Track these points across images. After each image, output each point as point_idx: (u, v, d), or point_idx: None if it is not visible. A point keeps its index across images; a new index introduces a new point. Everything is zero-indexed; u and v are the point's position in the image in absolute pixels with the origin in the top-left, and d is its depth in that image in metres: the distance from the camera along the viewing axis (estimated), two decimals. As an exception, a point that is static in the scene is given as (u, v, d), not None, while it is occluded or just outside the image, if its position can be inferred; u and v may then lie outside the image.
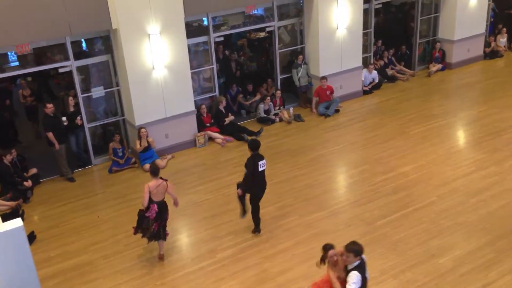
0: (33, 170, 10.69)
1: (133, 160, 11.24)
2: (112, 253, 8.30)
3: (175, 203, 7.99)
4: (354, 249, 5.55)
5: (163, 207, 7.72)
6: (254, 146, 8.17)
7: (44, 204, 9.98)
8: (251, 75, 14.79)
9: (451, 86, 14.97)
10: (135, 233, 7.87)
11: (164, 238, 7.92)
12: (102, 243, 8.58)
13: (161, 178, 7.70)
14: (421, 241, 8.05)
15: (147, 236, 7.77)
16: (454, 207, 8.92)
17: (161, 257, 7.99)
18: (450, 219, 8.60)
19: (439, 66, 15.96)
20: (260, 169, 8.06)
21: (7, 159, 10.05)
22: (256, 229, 8.49)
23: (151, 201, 7.58)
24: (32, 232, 8.76)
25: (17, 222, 1.18)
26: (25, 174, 10.49)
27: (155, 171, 7.67)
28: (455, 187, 9.54)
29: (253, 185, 8.14)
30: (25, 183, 10.18)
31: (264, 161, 8.12)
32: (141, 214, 7.71)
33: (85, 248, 8.50)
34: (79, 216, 9.48)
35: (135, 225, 7.84)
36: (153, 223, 7.65)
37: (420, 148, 11.16)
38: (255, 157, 8.06)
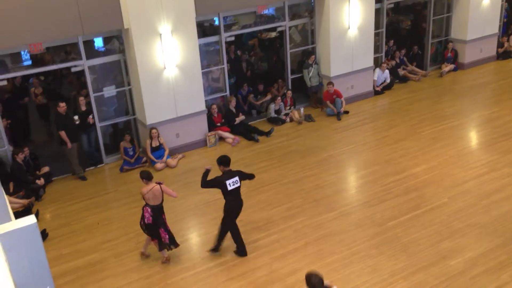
0: (46, 169, 10.79)
1: (144, 159, 11.29)
2: (123, 251, 8.35)
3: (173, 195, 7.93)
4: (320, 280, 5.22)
5: (157, 211, 7.68)
6: (220, 160, 7.71)
7: (56, 202, 10.07)
8: (262, 75, 14.80)
9: (463, 86, 14.85)
10: (161, 249, 7.90)
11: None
12: (113, 242, 8.64)
13: (156, 182, 7.69)
14: (432, 243, 8.00)
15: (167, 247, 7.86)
16: (465, 209, 8.85)
17: (168, 259, 8.02)
18: (461, 220, 8.54)
19: (452, 66, 15.85)
20: (230, 188, 7.60)
21: (20, 157, 10.15)
22: (214, 249, 8.05)
23: (146, 204, 7.63)
24: (44, 230, 8.84)
25: (31, 219, 1.20)
26: (37, 172, 10.59)
27: (145, 176, 7.64)
28: (467, 189, 9.47)
29: (227, 202, 7.75)
30: (37, 181, 10.28)
31: (235, 179, 7.63)
32: (146, 226, 7.73)
33: (96, 246, 8.56)
34: (90, 215, 9.55)
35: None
36: (158, 229, 7.68)
37: (431, 149, 11.09)
38: (225, 175, 7.66)
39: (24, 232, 1.31)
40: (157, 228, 7.71)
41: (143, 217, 7.71)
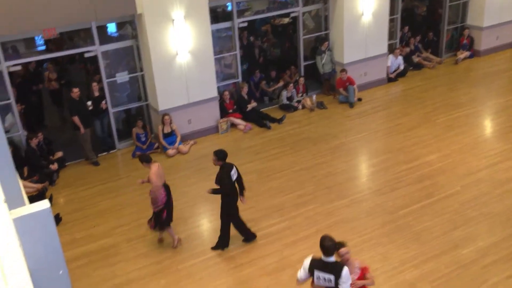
0: (59, 154, 10.88)
1: (156, 145, 11.34)
2: (135, 236, 8.43)
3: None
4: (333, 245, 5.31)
5: (168, 189, 7.79)
6: (222, 156, 7.45)
7: (69, 187, 10.17)
8: (274, 61, 14.73)
9: (479, 74, 14.65)
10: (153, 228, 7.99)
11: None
12: (125, 227, 8.72)
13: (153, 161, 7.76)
14: (445, 231, 7.97)
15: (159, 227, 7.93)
16: (479, 198, 8.78)
17: (179, 242, 8.09)
18: (474, 209, 8.48)
19: (467, 53, 15.62)
20: (233, 178, 7.48)
21: (34, 142, 10.25)
22: (218, 247, 7.94)
23: (162, 186, 7.69)
24: (58, 215, 8.94)
25: (44, 204, 1.21)
26: (51, 157, 10.69)
27: (145, 159, 7.69)
28: (480, 177, 9.39)
29: (227, 196, 7.58)
30: (51, 166, 10.38)
31: (235, 169, 7.51)
32: (158, 211, 7.78)
33: (109, 231, 8.65)
34: (103, 200, 9.63)
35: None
36: (163, 210, 7.75)
37: (445, 137, 10.99)
38: (227, 168, 7.46)
39: (38, 216, 1.32)
40: (169, 206, 7.76)
41: (155, 201, 7.70)
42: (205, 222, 8.86)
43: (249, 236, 8.02)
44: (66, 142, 11.54)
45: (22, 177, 10.02)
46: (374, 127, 11.81)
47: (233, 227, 7.91)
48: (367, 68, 13.70)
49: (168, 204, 7.80)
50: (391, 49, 14.50)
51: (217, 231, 8.40)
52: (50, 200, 9.47)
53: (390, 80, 14.27)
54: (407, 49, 15.19)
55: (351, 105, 12.88)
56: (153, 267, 7.71)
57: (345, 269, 5.23)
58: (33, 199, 8.94)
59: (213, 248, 7.95)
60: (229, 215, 7.77)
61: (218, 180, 7.49)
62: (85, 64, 14.18)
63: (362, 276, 5.68)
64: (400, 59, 14.45)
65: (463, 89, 13.58)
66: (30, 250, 1.29)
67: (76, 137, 10.87)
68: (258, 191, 9.39)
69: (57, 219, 8.89)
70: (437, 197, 8.88)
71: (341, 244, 5.61)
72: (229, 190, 7.47)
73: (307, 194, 9.25)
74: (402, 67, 14.49)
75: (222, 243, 7.92)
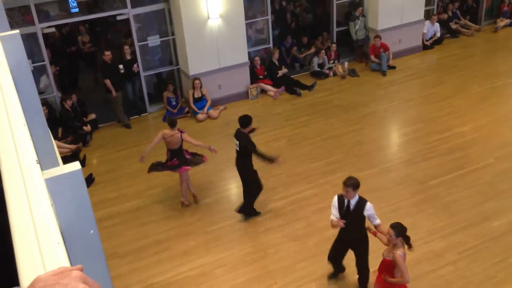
0: (92, 116, 11.09)
1: (186, 109, 11.42)
2: (165, 198, 8.62)
3: (212, 150, 8.09)
4: (354, 183, 5.75)
5: (176, 153, 7.99)
6: (247, 122, 7.46)
7: (102, 148, 10.40)
8: (306, 27, 14.47)
9: (519, 43, 14.10)
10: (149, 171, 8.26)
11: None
12: (156, 189, 8.90)
13: (178, 129, 7.92)
14: (475, 203, 7.86)
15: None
16: (512, 170, 8.59)
17: (196, 199, 8.39)
18: (507, 182, 8.30)
19: (507, 21, 14.99)
20: (235, 147, 7.62)
21: (68, 104, 10.45)
22: (250, 214, 7.98)
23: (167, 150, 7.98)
24: (91, 175, 9.18)
25: (76, 165, 1.24)
26: (84, 119, 10.90)
27: (171, 123, 7.93)
28: (515, 150, 9.16)
29: (252, 165, 7.57)
30: (84, 127, 10.60)
31: (237, 142, 7.55)
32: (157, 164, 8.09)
33: (140, 192, 8.85)
34: (135, 162, 9.79)
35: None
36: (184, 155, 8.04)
37: (480, 107, 10.71)
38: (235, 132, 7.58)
39: (70, 177, 1.36)
40: (183, 157, 7.99)
41: (166, 161, 7.98)
42: (233, 186, 8.95)
43: (250, 211, 7.99)
44: (99, 104, 11.73)
45: (56, 137, 10.28)
46: (406, 95, 11.58)
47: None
48: (402, 35, 13.32)
49: (183, 154, 8.07)
50: (428, 15, 14.03)
51: (245, 196, 8.50)
52: (84, 160, 9.72)
53: (425, 47, 13.87)
54: (445, 16, 14.68)
55: (384, 73, 12.62)
56: (183, 228, 7.89)
57: (368, 203, 5.76)
58: (67, 159, 9.18)
59: (243, 213, 8.03)
60: (252, 185, 7.78)
61: (247, 146, 7.46)
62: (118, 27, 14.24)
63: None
64: (437, 25, 13.98)
65: (501, 58, 13.12)
66: (62, 210, 1.33)
67: (109, 100, 11.04)
68: (287, 158, 9.38)
69: (90, 179, 9.13)
70: (469, 168, 8.72)
71: (408, 237, 5.55)
72: (255, 149, 7.45)
73: (336, 162, 9.22)
74: (438, 34, 14.04)
75: (249, 210, 8.02)
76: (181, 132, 7.93)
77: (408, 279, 5.43)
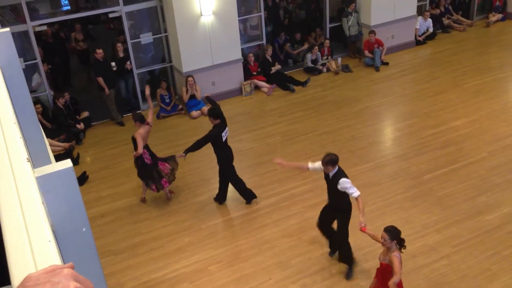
0: (85, 113, 11.04)
1: (180, 106, 11.39)
2: (160, 195, 8.59)
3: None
4: (330, 159, 6.14)
5: (148, 148, 7.99)
6: (215, 114, 7.57)
7: (95, 146, 10.36)
8: (299, 23, 14.46)
9: (510, 37, 14.14)
10: (157, 190, 8.18)
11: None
12: (149, 186, 8.87)
13: (146, 123, 7.91)
14: (469, 197, 7.90)
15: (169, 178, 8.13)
16: (505, 164, 8.64)
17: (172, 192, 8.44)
18: (500, 176, 8.35)
19: (499, 16, 15.05)
20: (224, 139, 7.63)
21: (60, 102, 10.40)
22: (218, 199, 8.22)
23: (144, 147, 7.89)
24: (84, 173, 9.15)
25: (67, 163, 1.23)
26: (77, 117, 10.86)
27: (138, 118, 7.86)
28: (508, 144, 9.20)
29: (221, 154, 7.75)
30: (77, 125, 10.56)
31: (226, 129, 7.66)
32: (144, 168, 7.97)
33: (134, 190, 8.83)
34: (128, 159, 9.76)
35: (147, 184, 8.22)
36: (157, 166, 8.02)
37: (473, 102, 10.75)
38: (219, 127, 7.58)
39: (61, 175, 1.35)
40: (156, 165, 7.98)
41: (141, 159, 7.90)
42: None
43: (248, 196, 8.14)
44: (92, 102, 11.68)
45: (48, 136, 10.22)
46: (400, 91, 11.60)
47: (234, 188, 8.12)
48: (394, 31, 13.34)
49: (157, 160, 8.08)
50: (420, 11, 14.06)
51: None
52: (77, 159, 9.69)
53: (418, 43, 13.90)
54: (437, 11, 14.72)
55: (377, 68, 12.64)
56: (177, 225, 7.88)
57: (342, 179, 6.11)
58: (60, 157, 9.14)
59: (214, 199, 8.24)
60: (225, 176, 7.97)
61: (208, 134, 7.61)
62: (110, 25, 14.18)
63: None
64: (429, 21, 14.01)
65: (493, 53, 13.17)
66: (53, 208, 1.33)
67: (102, 98, 10.99)
68: (281, 154, 9.41)
69: (84, 177, 9.10)
70: (463, 162, 8.77)
71: (402, 239, 5.60)
72: (200, 145, 7.56)
73: (330, 158, 9.21)
74: (431, 30, 14.07)
75: (219, 197, 8.20)
76: (149, 125, 7.98)
77: (398, 280, 5.43)
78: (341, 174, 6.24)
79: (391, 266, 5.48)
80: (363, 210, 6.05)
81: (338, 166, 6.26)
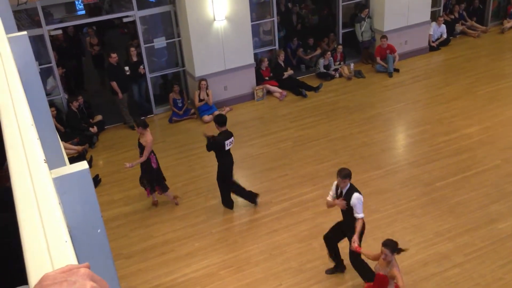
0: (99, 117, 11.13)
1: (192, 111, 11.43)
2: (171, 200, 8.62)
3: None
4: (346, 173, 6.15)
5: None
6: (222, 121, 7.79)
7: (108, 150, 10.43)
8: (312, 28, 14.46)
9: (526, 44, 14.03)
10: (162, 192, 8.29)
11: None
12: (161, 190, 8.91)
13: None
14: (482, 205, 7.82)
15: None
16: (519, 172, 8.55)
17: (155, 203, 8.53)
18: (514, 184, 8.26)
19: (515, 22, 14.93)
20: (227, 148, 7.75)
21: (74, 105, 10.50)
22: (226, 204, 8.26)
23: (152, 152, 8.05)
24: (97, 176, 9.21)
25: (83, 165, 1.24)
26: (91, 120, 10.95)
27: (141, 124, 7.97)
28: (522, 152, 9.11)
29: (222, 162, 7.91)
30: (90, 129, 10.64)
31: (232, 139, 7.77)
32: (150, 171, 8.06)
33: (146, 194, 8.85)
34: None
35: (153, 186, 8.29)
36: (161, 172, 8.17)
37: (487, 109, 10.66)
38: (224, 135, 7.75)
39: (77, 176, 1.37)
40: (160, 171, 8.13)
41: (147, 163, 8.00)
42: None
43: (251, 198, 8.18)
44: (105, 106, 11.77)
45: (62, 139, 10.31)
46: (413, 97, 11.55)
47: (235, 194, 8.20)
48: (408, 36, 13.29)
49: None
50: (434, 17, 14.00)
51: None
52: (90, 161, 9.76)
53: (432, 49, 13.82)
54: (451, 17, 14.64)
55: (390, 74, 12.59)
56: (188, 229, 7.90)
57: (356, 193, 6.07)
58: (73, 160, 9.22)
59: (224, 205, 8.29)
60: (224, 181, 8.03)
61: (213, 139, 7.79)
62: (124, 29, 14.30)
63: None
64: (443, 27, 13.93)
65: (508, 60, 13.06)
66: (69, 209, 1.34)
67: (115, 101, 11.08)
68: (293, 159, 9.41)
69: (97, 180, 9.16)
70: (475, 170, 8.69)
71: (400, 249, 5.66)
72: (210, 149, 7.77)
73: (341, 164, 9.14)
74: (445, 36, 13.99)
75: (225, 202, 8.25)
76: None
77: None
78: (354, 189, 6.21)
79: (388, 277, 5.51)
80: (359, 231, 6.07)
81: (350, 182, 6.25)
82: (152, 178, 8.13)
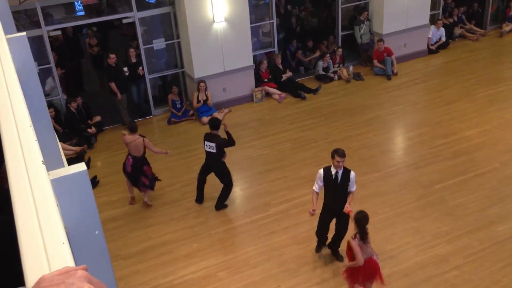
0: (97, 118, 11.11)
1: (191, 112, 11.43)
2: (169, 201, 8.62)
3: (166, 153, 8.63)
4: (344, 152, 6.38)
5: (139, 161, 8.14)
6: (210, 124, 8.10)
7: (106, 150, 10.42)
8: (311, 31, 14.47)
9: (525, 47, 14.06)
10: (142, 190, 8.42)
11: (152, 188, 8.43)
12: (160, 191, 8.90)
13: (140, 135, 8.12)
14: (480, 208, 7.82)
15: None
16: (518, 175, 8.55)
17: (132, 202, 8.60)
18: (512, 187, 8.27)
19: (513, 25, 14.95)
20: (205, 148, 8.01)
21: (73, 106, 10.49)
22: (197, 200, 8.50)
23: (128, 153, 8.16)
24: (95, 177, 9.20)
25: (81, 166, 1.24)
26: (89, 121, 10.93)
27: (131, 128, 8.16)
28: (521, 155, 9.12)
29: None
30: (89, 130, 10.63)
31: (211, 144, 7.90)
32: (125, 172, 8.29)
33: (143, 194, 8.84)
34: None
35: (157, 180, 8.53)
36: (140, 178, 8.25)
37: (486, 112, 10.67)
38: (206, 136, 8.02)
39: (75, 178, 1.36)
40: (138, 177, 8.20)
41: (125, 164, 8.19)
42: (237, 189, 8.94)
43: (199, 197, 8.43)
44: (104, 106, 11.75)
45: (60, 139, 10.31)
46: (412, 99, 11.55)
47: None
48: (407, 39, 13.30)
49: (140, 174, 8.29)
50: (433, 20, 14.01)
51: (249, 198, 8.52)
52: (88, 162, 9.75)
53: (430, 52, 13.84)
54: (450, 20, 14.66)
55: (389, 77, 12.60)
56: (186, 231, 7.89)
57: (352, 172, 6.41)
58: (71, 161, 9.21)
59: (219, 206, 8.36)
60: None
61: (223, 144, 7.96)
62: (123, 30, 14.29)
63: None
64: (442, 30, 13.95)
65: (506, 63, 13.08)
66: (67, 210, 1.34)
67: (114, 102, 11.07)
68: (292, 161, 9.41)
69: (95, 181, 9.15)
70: (474, 173, 8.69)
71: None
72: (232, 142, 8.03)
73: (340, 166, 9.18)
74: (443, 39, 14.01)
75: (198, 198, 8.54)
76: (143, 137, 8.12)
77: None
78: (347, 168, 6.46)
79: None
80: (352, 199, 6.49)
81: None
82: (130, 178, 8.30)
